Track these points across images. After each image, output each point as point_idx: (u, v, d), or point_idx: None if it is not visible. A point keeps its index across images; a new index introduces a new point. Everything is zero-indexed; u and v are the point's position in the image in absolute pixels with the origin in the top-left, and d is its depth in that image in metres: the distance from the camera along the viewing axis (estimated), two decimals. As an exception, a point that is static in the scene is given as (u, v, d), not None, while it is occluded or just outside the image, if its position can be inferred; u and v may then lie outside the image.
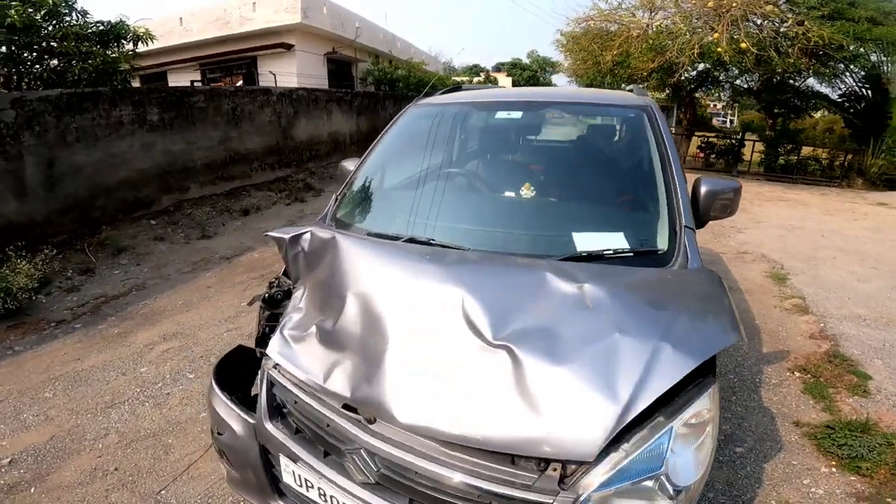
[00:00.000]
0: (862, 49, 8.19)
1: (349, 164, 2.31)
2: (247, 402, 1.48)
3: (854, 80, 10.38)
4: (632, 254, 1.58)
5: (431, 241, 1.66)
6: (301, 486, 1.32)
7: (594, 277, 1.33)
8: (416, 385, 1.15)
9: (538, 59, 40.90)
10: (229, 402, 1.45)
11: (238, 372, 1.62)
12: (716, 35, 7.37)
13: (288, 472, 1.34)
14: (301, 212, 6.59)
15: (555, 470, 1.05)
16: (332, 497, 1.25)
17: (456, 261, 1.49)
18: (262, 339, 1.57)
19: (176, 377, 2.70)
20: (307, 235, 1.69)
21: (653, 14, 9.33)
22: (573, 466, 1.05)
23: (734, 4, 7.18)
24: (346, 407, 1.24)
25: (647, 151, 2.01)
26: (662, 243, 1.63)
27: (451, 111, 2.45)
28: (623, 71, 10.23)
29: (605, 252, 1.57)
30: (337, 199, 2.09)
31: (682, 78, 9.94)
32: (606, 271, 1.44)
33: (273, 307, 1.65)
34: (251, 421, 1.39)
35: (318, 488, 1.27)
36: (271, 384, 1.40)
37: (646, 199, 1.89)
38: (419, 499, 1.14)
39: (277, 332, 1.43)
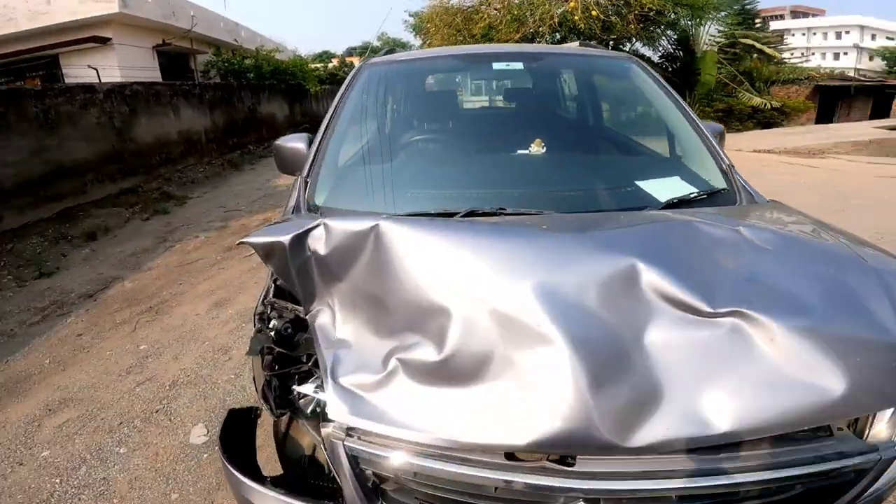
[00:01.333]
0: (674, 14, 9.56)
1: (296, 142, 1.86)
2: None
3: (669, 43, 12.16)
4: (705, 196, 1.50)
5: (502, 211, 1.31)
6: None
7: (730, 221, 1.16)
8: (629, 393, 0.82)
9: (389, 42, 40.90)
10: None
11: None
12: (571, 4, 7.95)
13: None
14: (168, 225, 5.46)
15: (841, 429, 0.92)
16: None
17: (575, 227, 1.16)
18: (279, 397, 1.06)
19: (102, 456, 1.94)
20: (319, 231, 1.11)
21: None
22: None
23: None
24: (507, 456, 0.88)
25: (658, 99, 2.00)
26: (721, 183, 1.59)
27: (426, 67, 2.19)
28: (489, 43, 10.56)
29: (685, 197, 1.47)
30: (307, 182, 1.61)
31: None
32: (726, 213, 1.34)
33: (286, 347, 1.12)
34: None
35: None
36: (355, 460, 0.94)
37: (684, 144, 1.86)
38: None
39: (330, 386, 0.94)
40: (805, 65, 21.79)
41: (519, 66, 2.16)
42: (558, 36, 9.42)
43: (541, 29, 8.43)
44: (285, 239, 1.08)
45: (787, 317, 0.86)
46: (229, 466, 1.05)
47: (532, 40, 9.67)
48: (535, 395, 0.83)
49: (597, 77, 2.44)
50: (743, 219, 1.22)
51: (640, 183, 1.59)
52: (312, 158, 1.71)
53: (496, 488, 0.88)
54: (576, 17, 7.96)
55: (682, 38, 11.25)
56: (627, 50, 12.82)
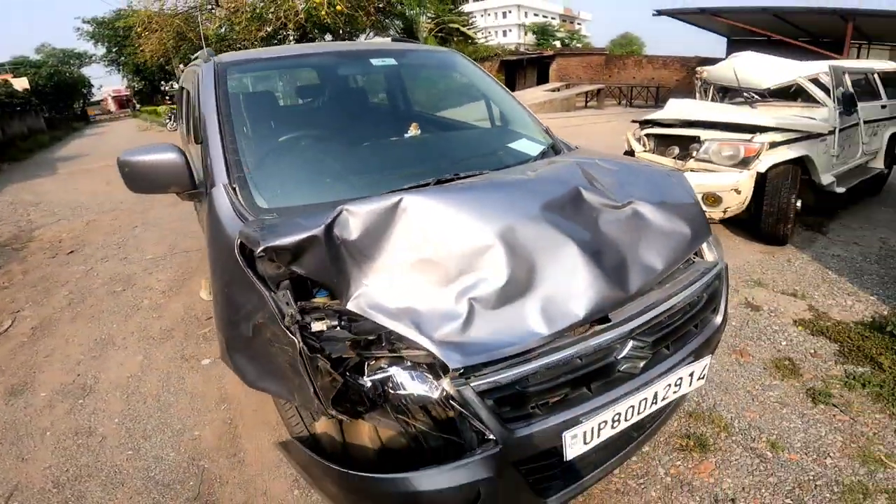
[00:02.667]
0: (401, 4, 10.81)
1: (163, 154, 1.70)
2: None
3: (397, 31, 13.54)
4: (549, 148, 2.16)
5: (457, 176, 1.64)
6: (590, 440, 1.23)
7: (587, 158, 1.82)
8: (613, 264, 1.30)
9: (56, 53, 32.48)
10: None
11: None
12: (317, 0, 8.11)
13: (576, 443, 1.20)
14: None
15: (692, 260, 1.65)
16: (623, 413, 1.26)
17: (526, 176, 1.58)
18: (357, 396, 1.12)
19: None
20: (343, 218, 1.17)
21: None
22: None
23: None
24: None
25: (484, 82, 2.60)
26: (548, 139, 2.28)
27: (295, 65, 2.24)
28: (224, 45, 9.81)
29: (543, 150, 2.10)
30: (234, 188, 1.59)
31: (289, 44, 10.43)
32: (577, 154, 2.02)
33: (355, 345, 1.13)
34: (495, 449, 1.09)
35: (613, 419, 1.24)
36: (482, 396, 1.10)
37: (515, 115, 2.48)
38: (668, 340, 1.39)
39: (431, 345, 1.06)
40: (489, 43, 26.98)
41: (391, 61, 2.41)
42: (303, 32, 9.50)
43: (288, 25, 8.37)
44: (318, 232, 1.13)
45: (650, 199, 1.54)
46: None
47: (274, 37, 9.49)
48: (574, 284, 1.22)
49: (436, 68, 2.82)
50: (590, 157, 1.88)
51: (510, 145, 2.20)
52: (226, 165, 1.65)
53: (580, 358, 1.19)
54: (322, 13, 8.21)
55: (408, 25, 12.75)
56: (363, 40, 13.71)
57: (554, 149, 2.18)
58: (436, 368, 1.11)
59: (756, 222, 4.01)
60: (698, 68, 6.07)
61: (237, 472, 1.99)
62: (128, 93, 47.89)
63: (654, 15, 14.11)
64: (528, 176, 1.58)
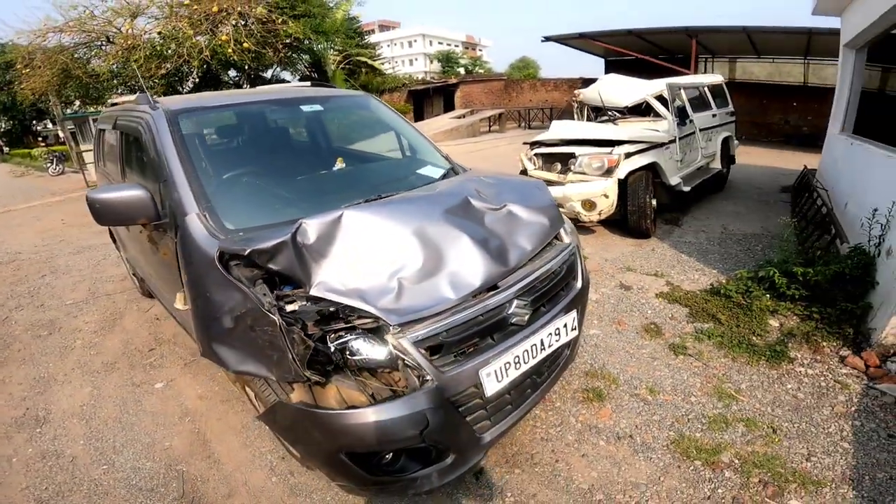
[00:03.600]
0: (309, 40, 11.12)
1: (130, 191, 1.99)
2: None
3: (304, 67, 13.83)
4: (449, 170, 2.71)
5: (380, 196, 2.12)
6: (501, 378, 1.66)
7: (474, 177, 2.43)
8: (494, 248, 1.86)
9: None
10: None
11: None
12: (223, 37, 8.18)
13: (490, 381, 1.62)
14: None
15: (552, 243, 2.23)
16: (520, 356, 1.72)
17: (429, 192, 2.16)
18: (322, 361, 1.50)
19: None
20: (302, 228, 1.61)
21: (132, 20, 8.90)
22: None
23: (236, 8, 8.14)
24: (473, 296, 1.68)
25: (393, 119, 3.13)
26: (447, 164, 2.84)
27: (237, 111, 2.63)
28: (117, 81, 9.52)
29: (444, 174, 2.65)
30: (205, 215, 1.91)
31: (193, 82, 10.29)
32: (467, 175, 2.56)
33: (320, 321, 1.52)
34: (433, 385, 1.50)
35: (514, 360, 1.69)
36: (414, 343, 1.51)
37: (420, 145, 3.02)
38: (543, 299, 1.91)
39: (376, 310, 1.49)
40: (397, 73, 27.89)
41: (318, 106, 2.85)
42: (208, 68, 9.48)
43: (192, 63, 8.34)
44: (287, 238, 1.56)
45: (519, 202, 2.14)
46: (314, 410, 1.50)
47: (175, 74, 9.37)
48: (470, 263, 1.73)
49: (354, 109, 3.26)
50: (477, 175, 2.50)
51: (419, 171, 2.73)
52: (194, 196, 1.94)
53: (480, 316, 1.65)
54: (228, 50, 8.33)
55: (315, 60, 13.08)
56: (270, 76, 13.80)
57: (453, 171, 2.74)
58: (381, 332, 1.52)
59: (625, 221, 4.91)
60: (575, 91, 7.13)
61: (215, 471, 2.20)
62: (-7, 134, 42.58)
63: (542, 41, 15.77)
64: (432, 192, 2.15)
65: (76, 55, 9.45)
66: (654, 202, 4.97)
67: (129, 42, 8.52)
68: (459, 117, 18.37)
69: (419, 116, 23.62)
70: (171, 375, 3.01)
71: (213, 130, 2.54)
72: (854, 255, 3.35)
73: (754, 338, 2.99)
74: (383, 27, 58.21)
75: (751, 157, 10.41)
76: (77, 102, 16.91)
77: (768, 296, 3.36)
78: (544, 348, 1.87)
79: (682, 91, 5.81)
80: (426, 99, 24.76)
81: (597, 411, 2.45)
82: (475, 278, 1.72)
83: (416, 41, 56.94)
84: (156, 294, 3.09)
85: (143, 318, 3.87)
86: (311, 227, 1.62)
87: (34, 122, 31.47)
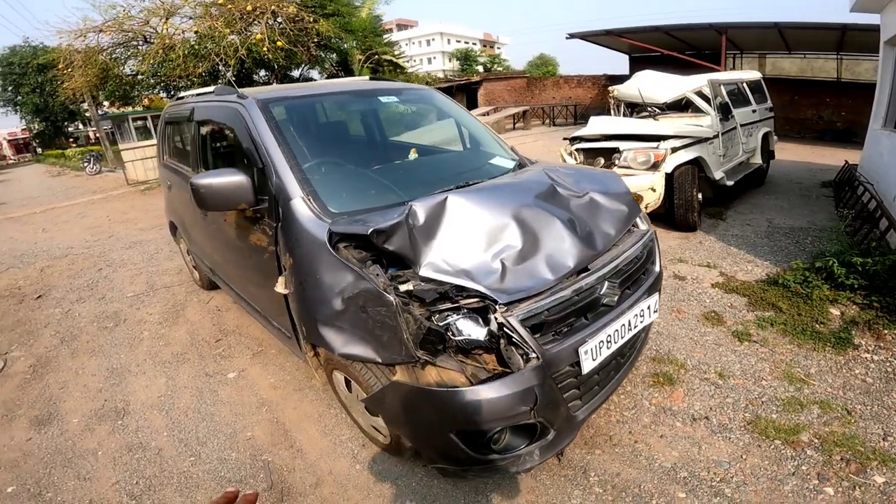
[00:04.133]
0: (339, 39, 11.31)
1: (231, 177, 2.06)
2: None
3: (332, 65, 14.03)
4: (517, 162, 2.77)
5: (469, 182, 2.20)
6: (596, 356, 1.71)
7: (549, 167, 2.48)
8: (584, 232, 1.94)
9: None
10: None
11: None
12: (258, 35, 8.38)
13: (587, 359, 1.67)
14: None
15: (632, 229, 2.29)
16: (612, 336, 1.77)
17: (518, 179, 2.24)
18: (433, 340, 1.53)
19: None
20: (412, 210, 1.69)
21: (167, 20, 9.17)
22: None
23: (269, 7, 8.34)
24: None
25: (457, 111, 3.21)
26: (515, 156, 2.91)
27: (316, 103, 2.72)
28: (155, 80, 9.83)
29: (516, 164, 2.71)
30: (309, 198, 1.98)
31: (229, 80, 10.54)
32: (539, 166, 2.63)
33: (427, 302, 1.55)
34: (539, 362, 1.54)
35: (606, 339, 1.75)
36: (521, 321, 1.55)
37: (486, 138, 3.08)
38: (628, 282, 1.96)
39: (484, 289, 1.55)
40: (417, 72, 27.96)
41: (394, 98, 2.97)
42: (241, 67, 9.71)
43: (229, 61, 8.56)
44: (401, 219, 1.64)
45: (599, 190, 2.22)
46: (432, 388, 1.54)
47: (215, 72, 9.62)
48: (563, 246, 1.80)
49: (421, 102, 3.38)
50: (552, 166, 2.57)
51: (491, 161, 2.80)
52: (297, 181, 2.01)
53: (576, 295, 1.71)
54: (263, 49, 8.51)
55: (342, 59, 13.25)
56: (298, 75, 14.04)
57: (521, 163, 2.80)
58: (486, 313, 1.56)
59: (671, 215, 4.90)
60: (610, 87, 7.11)
61: (300, 460, 2.24)
62: (25, 135, 44.00)
63: (567, 38, 15.65)
64: (518, 179, 2.22)
65: (114, 55, 9.75)
66: (699, 196, 4.95)
67: (166, 41, 8.76)
68: (484, 114, 18.34)
69: (441, 114, 23.59)
70: (241, 365, 3.10)
71: (298, 118, 2.62)
72: (910, 246, 3.34)
73: (817, 325, 3.02)
74: (401, 26, 58.37)
75: (786, 152, 10.20)
76: (106, 103, 17.44)
77: (827, 286, 3.38)
78: (631, 329, 1.92)
79: (723, 87, 5.76)
80: (449, 97, 24.62)
81: (669, 394, 2.49)
82: (569, 260, 1.78)
83: (433, 39, 57.00)
84: (229, 283, 3.15)
85: (204, 310, 4.01)
86: (420, 210, 1.70)
87: (65, 123, 32.40)
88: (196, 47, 8.88)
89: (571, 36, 15.59)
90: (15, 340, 3.83)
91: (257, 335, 3.45)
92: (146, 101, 12.67)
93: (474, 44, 56.25)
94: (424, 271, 1.61)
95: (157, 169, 11.88)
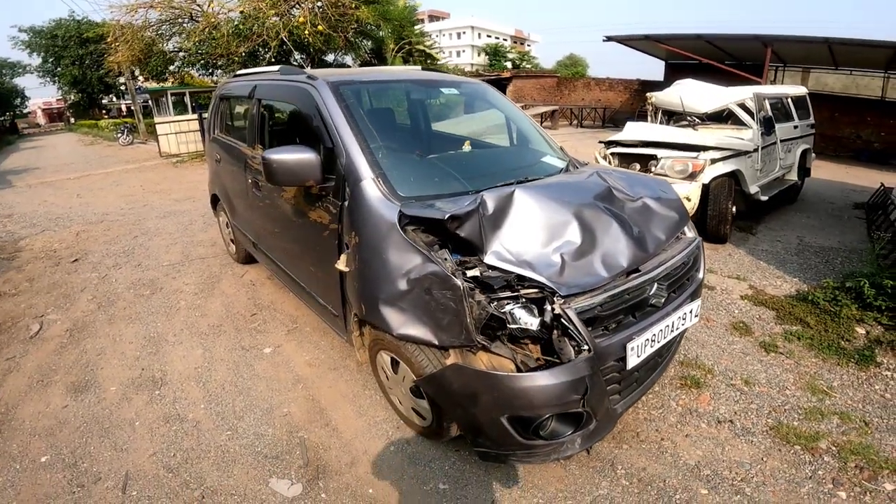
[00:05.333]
0: (376, 27, 11.37)
1: (301, 154, 2.11)
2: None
3: (366, 52, 14.09)
4: (568, 162, 2.79)
5: (528, 178, 2.27)
6: (641, 353, 1.76)
7: (601, 169, 2.53)
8: (637, 233, 1.98)
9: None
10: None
11: None
12: (301, 19, 8.49)
13: (633, 355, 1.73)
14: None
15: (679, 237, 2.30)
16: (656, 335, 1.83)
17: (577, 179, 2.30)
18: (494, 325, 1.60)
19: None
20: (482, 199, 1.78)
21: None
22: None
23: None
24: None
25: (509, 108, 3.23)
26: (565, 157, 2.92)
27: (385, 89, 2.82)
28: (197, 59, 10.02)
29: (566, 165, 2.72)
30: (379, 180, 2.03)
31: (269, 62, 10.70)
32: (591, 168, 2.66)
33: (489, 289, 1.62)
34: (591, 354, 1.59)
35: (651, 338, 1.80)
36: (578, 313, 1.60)
37: (535, 137, 3.09)
38: (674, 286, 2.01)
39: (547, 280, 1.62)
40: (448, 64, 27.89)
41: (454, 90, 3.04)
42: (280, 49, 9.84)
43: (270, 42, 8.69)
44: (474, 207, 1.74)
45: (652, 196, 2.27)
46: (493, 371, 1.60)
47: (255, 53, 9.76)
48: (618, 246, 1.85)
49: (476, 96, 3.39)
50: (605, 170, 2.60)
51: (543, 160, 2.82)
52: (368, 163, 2.06)
53: (627, 294, 1.77)
54: (305, 32, 8.62)
55: (376, 47, 13.31)
56: (332, 60, 14.13)
57: (571, 163, 2.82)
58: (542, 303, 1.63)
59: (703, 225, 4.87)
60: (648, 94, 7.05)
61: (335, 439, 2.28)
62: (60, 105, 45.16)
63: (604, 40, 15.46)
64: (577, 179, 2.29)
65: (160, 31, 9.98)
66: (733, 209, 4.91)
67: (212, 20, 8.91)
68: (510, 111, 18.33)
69: (468, 108, 23.62)
70: (276, 341, 3.17)
71: (369, 103, 2.69)
72: (941, 272, 3.33)
73: (842, 342, 3.08)
74: (433, 17, 58.16)
75: (819, 170, 9.99)
76: (141, 78, 17.81)
77: (855, 305, 3.41)
78: (673, 330, 1.97)
79: (767, 101, 5.68)
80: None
81: (696, 397, 2.55)
82: (623, 260, 1.84)
83: (464, 33, 56.72)
84: (273, 257, 3.21)
85: (239, 283, 4.13)
86: (491, 200, 1.78)
87: (100, 95, 33.17)
88: (240, 27, 9.03)
89: (609, 39, 15.41)
90: (51, 303, 3.91)
91: (292, 312, 3.55)
92: (173, 79, 12.85)
93: (505, 39, 55.83)
94: (489, 259, 1.68)
95: (189, 143, 12.25)
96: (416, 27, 15.57)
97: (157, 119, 13.07)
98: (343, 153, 2.14)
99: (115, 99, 37.00)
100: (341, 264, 2.08)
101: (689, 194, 4.54)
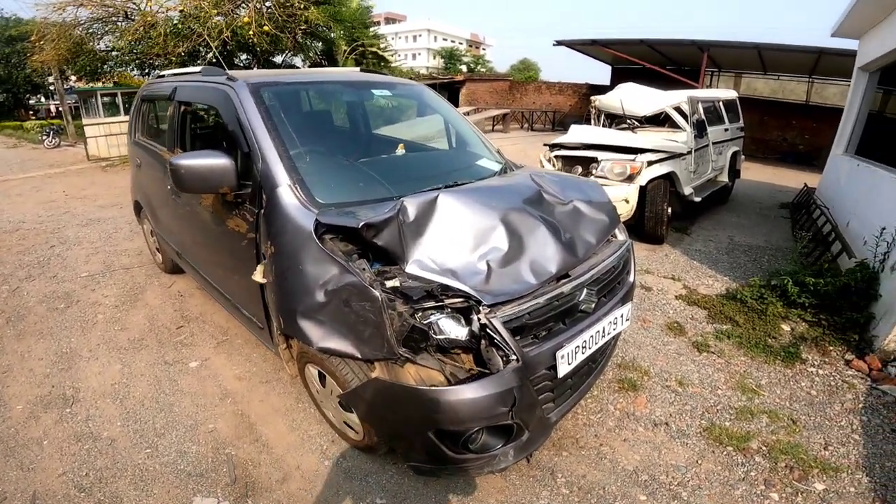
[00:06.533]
0: (326, 28, 11.06)
1: (214, 159, 1.99)
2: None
3: (316, 54, 13.72)
4: (503, 165, 2.78)
5: (457, 183, 2.20)
6: (572, 360, 1.72)
7: (534, 172, 2.48)
8: (566, 239, 1.94)
9: None
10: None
11: None
12: (245, 19, 8.13)
13: (563, 363, 1.68)
14: None
15: (610, 239, 2.32)
16: (587, 341, 1.79)
17: (507, 183, 2.26)
18: (417, 337, 1.52)
19: None
20: (402, 206, 1.69)
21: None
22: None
23: None
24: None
25: (446, 110, 3.18)
26: (501, 160, 2.90)
27: (307, 90, 2.71)
28: (130, 58, 9.44)
29: (501, 168, 2.71)
30: (297, 187, 1.93)
31: (208, 62, 10.19)
32: (526, 170, 2.63)
33: (410, 300, 1.52)
34: (518, 364, 1.54)
35: (582, 344, 1.75)
36: (503, 323, 1.55)
37: (472, 139, 3.05)
38: (605, 290, 2.00)
39: (469, 289, 1.54)
40: (402, 66, 27.69)
41: (386, 92, 2.92)
42: (223, 49, 9.40)
43: (212, 42, 8.27)
44: (392, 214, 1.64)
45: (583, 199, 2.25)
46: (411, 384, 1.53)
47: (196, 53, 9.28)
48: (546, 252, 1.81)
49: (411, 98, 3.28)
50: (537, 172, 2.56)
51: (478, 163, 2.79)
52: (284, 168, 1.95)
53: (556, 300, 1.72)
54: (250, 32, 8.27)
55: (327, 48, 12.99)
56: (281, 62, 13.67)
57: (507, 166, 2.80)
58: (468, 313, 1.55)
59: (640, 226, 5.03)
60: (592, 97, 7.24)
61: (266, 455, 2.17)
62: (-23, 106, 41.54)
63: (554, 45, 15.85)
64: (507, 183, 2.25)
65: (90, 30, 9.32)
66: (669, 210, 5.10)
67: (148, 19, 8.41)
68: (466, 114, 18.28)
69: (422, 111, 23.46)
70: (204, 354, 2.99)
71: (288, 105, 2.56)
72: (859, 270, 3.57)
73: (769, 340, 3.21)
74: (389, 20, 57.83)
75: (749, 172, 10.65)
76: (73, 78, 16.63)
77: (780, 303, 3.56)
78: (604, 335, 1.96)
79: (700, 104, 5.95)
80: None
81: (633, 400, 2.57)
82: (552, 266, 1.80)
83: (420, 35, 56.74)
84: (197, 268, 3.04)
85: (166, 294, 3.86)
86: (411, 206, 1.70)
87: (27, 95, 30.74)
88: (179, 26, 8.56)
89: (559, 43, 15.82)
90: (-47, 320, 3.55)
91: (222, 323, 3.35)
92: (105, 80, 12.12)
93: (461, 43, 56.26)
94: (411, 268, 1.61)
95: (121, 146, 11.51)
96: (370, 29, 15.38)
97: (85, 121, 12.20)
98: (259, 158, 2.02)
99: (43, 99, 34.48)
100: (258, 275, 1.96)
101: (628, 196, 4.67)
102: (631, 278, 2.29)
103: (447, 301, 1.57)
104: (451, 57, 41.50)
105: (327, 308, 1.62)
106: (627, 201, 4.68)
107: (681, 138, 5.50)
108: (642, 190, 4.79)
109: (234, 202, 2.20)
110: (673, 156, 5.14)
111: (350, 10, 10.92)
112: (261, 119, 2.12)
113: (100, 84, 12.77)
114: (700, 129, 5.69)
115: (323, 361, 1.82)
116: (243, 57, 11.33)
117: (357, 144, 2.75)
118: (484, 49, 64.58)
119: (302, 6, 9.06)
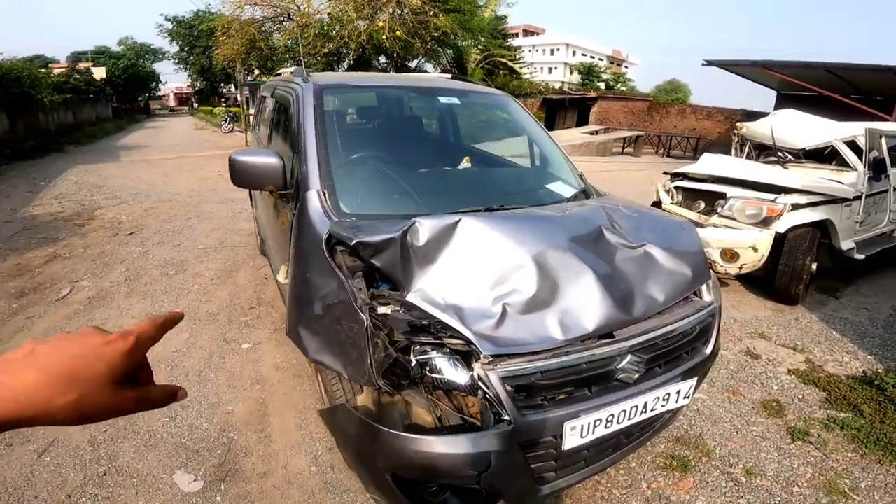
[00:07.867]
0: (455, 36, 11.42)
1: (265, 157, 2.02)
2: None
3: (447, 61, 14.22)
4: (580, 191, 2.41)
5: (503, 207, 1.96)
6: (586, 434, 1.41)
7: (612, 203, 2.11)
8: (621, 291, 1.55)
9: (135, 47, 35.30)
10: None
11: None
12: (380, 24, 8.76)
13: (573, 435, 1.39)
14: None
15: (690, 298, 1.84)
16: (616, 416, 1.44)
17: (557, 212, 1.90)
18: (396, 375, 1.32)
19: None
20: (415, 227, 1.49)
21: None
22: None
23: None
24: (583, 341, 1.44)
25: (529, 125, 2.88)
26: (580, 184, 2.54)
27: (373, 94, 2.66)
28: (287, 55, 10.71)
29: (574, 194, 2.36)
30: (325, 193, 1.88)
31: (349, 64, 11.17)
32: (603, 200, 2.27)
33: (408, 331, 1.34)
34: (508, 427, 1.30)
35: (607, 418, 1.43)
36: (504, 379, 1.32)
37: (553, 158, 2.74)
38: (660, 360, 1.60)
39: (470, 334, 1.32)
40: (535, 78, 27.47)
41: (454, 99, 2.80)
42: (363, 52, 10.19)
43: (350, 45, 9.04)
44: (396, 235, 1.45)
45: (661, 243, 1.80)
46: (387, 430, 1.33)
47: (335, 54, 10.22)
48: (587, 304, 1.46)
49: (491, 108, 3.13)
50: (615, 203, 2.15)
51: (548, 185, 2.47)
52: (319, 173, 1.93)
53: (585, 363, 1.41)
54: (383, 37, 8.85)
55: (458, 56, 13.38)
56: (415, 66, 14.41)
57: (585, 192, 2.45)
58: (469, 357, 1.34)
59: (771, 280, 4.11)
60: (738, 124, 6.23)
61: (262, 446, 2.19)
62: (189, 91, 51.14)
63: (703, 65, 14.24)
64: (561, 213, 1.88)
65: (263, 28, 10.77)
66: (814, 266, 4.10)
67: (303, 20, 9.43)
68: (592, 133, 17.42)
69: (550, 126, 22.82)
70: (258, 338, 3.12)
71: (353, 109, 2.58)
72: None
73: None
74: (528, 32, 57.83)
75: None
76: (256, 71, 19.54)
77: None
78: (645, 412, 1.54)
79: (884, 139, 4.72)
80: (560, 110, 23.89)
81: (675, 482, 2.08)
82: (590, 322, 1.45)
83: (558, 49, 55.79)
84: (267, 255, 3.26)
85: (253, 276, 4.15)
86: (424, 228, 1.50)
87: (222, 84, 36.96)
88: (326, 28, 9.49)
89: (709, 63, 14.17)
90: (90, 271, 4.22)
91: (285, 313, 3.47)
92: (281, 70, 13.89)
93: (601, 59, 54.11)
94: (412, 297, 1.41)
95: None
96: (503, 40, 15.46)
97: (250, 110, 14.16)
98: (303, 159, 2.02)
99: (233, 89, 41.04)
100: (281, 275, 1.94)
101: (758, 244, 3.84)
102: (708, 350, 1.80)
103: (446, 340, 1.35)
104: (588, 72, 40.04)
105: (323, 321, 1.51)
106: (756, 249, 3.84)
107: (848, 179, 4.40)
108: (779, 238, 3.90)
109: (283, 200, 2.24)
110: (832, 200, 4.12)
111: (480, 20, 11.04)
112: (313, 121, 2.14)
113: (269, 78, 14.79)
114: (878, 170, 4.50)
115: (320, 371, 1.77)
116: (382, 60, 12.11)
117: (418, 154, 2.59)
118: (626, 67, 61.29)
119: (432, 13, 9.36)
